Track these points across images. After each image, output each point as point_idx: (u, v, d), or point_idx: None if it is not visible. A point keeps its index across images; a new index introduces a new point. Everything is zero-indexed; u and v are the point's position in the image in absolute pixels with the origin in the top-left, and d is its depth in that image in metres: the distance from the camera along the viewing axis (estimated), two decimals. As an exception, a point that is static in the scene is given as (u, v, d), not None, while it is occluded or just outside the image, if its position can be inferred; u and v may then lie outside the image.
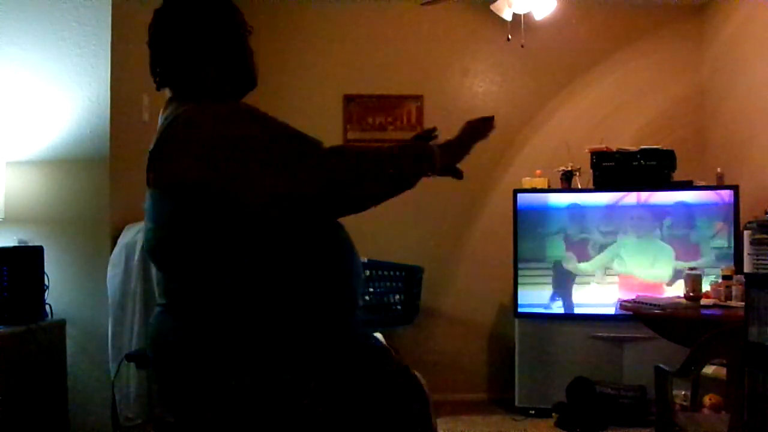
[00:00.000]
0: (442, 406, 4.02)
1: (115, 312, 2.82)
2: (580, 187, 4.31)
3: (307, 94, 4.67)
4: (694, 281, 3.25)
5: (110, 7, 2.92)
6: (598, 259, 4.18)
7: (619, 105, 4.82)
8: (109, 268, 2.85)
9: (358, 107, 4.80)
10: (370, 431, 1.44)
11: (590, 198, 4.25)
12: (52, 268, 2.83)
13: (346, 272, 1.52)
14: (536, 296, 4.22)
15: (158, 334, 1.53)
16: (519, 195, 4.26)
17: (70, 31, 2.91)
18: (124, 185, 3.03)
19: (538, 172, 4.38)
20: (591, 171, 4.24)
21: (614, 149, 4.22)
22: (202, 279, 1.45)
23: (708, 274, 3.70)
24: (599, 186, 4.21)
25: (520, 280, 4.21)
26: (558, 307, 4.21)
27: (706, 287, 3.34)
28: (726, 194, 4.02)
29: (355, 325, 1.56)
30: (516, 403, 4.19)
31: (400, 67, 4.81)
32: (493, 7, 3.82)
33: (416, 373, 1.59)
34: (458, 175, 1.64)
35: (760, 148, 4.12)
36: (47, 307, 2.82)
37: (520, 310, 4.21)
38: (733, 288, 3.16)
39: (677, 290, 3.75)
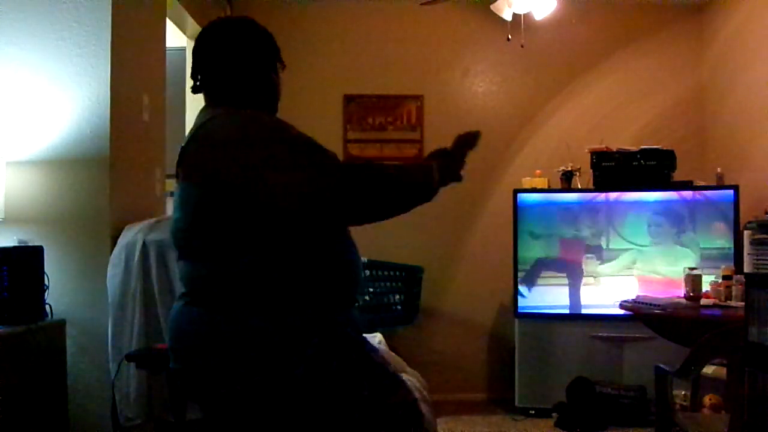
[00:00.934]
0: (442, 406, 4.02)
1: (115, 312, 2.82)
2: (580, 187, 4.32)
3: (307, 94, 4.67)
4: (694, 281, 3.25)
5: (110, 7, 2.91)
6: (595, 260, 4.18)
7: (619, 105, 4.82)
8: (109, 268, 2.85)
9: (358, 107, 4.81)
10: None
11: (589, 197, 4.25)
12: (52, 268, 2.83)
13: (355, 265, 1.66)
14: (538, 297, 4.22)
15: (183, 327, 1.61)
16: (519, 195, 4.26)
17: (70, 31, 2.91)
18: (124, 185, 3.03)
19: (538, 172, 4.39)
20: (591, 171, 4.24)
21: (614, 149, 4.23)
22: (224, 266, 1.54)
23: (708, 274, 3.69)
24: (599, 186, 4.21)
25: (519, 279, 4.21)
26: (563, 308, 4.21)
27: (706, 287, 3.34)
28: (726, 194, 4.02)
29: (356, 320, 1.67)
30: (516, 403, 4.19)
31: (400, 67, 4.81)
32: (493, 7, 3.82)
33: (414, 377, 1.64)
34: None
35: (760, 148, 4.12)
36: (47, 307, 2.81)
37: (520, 310, 4.21)
38: (733, 288, 3.16)
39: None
